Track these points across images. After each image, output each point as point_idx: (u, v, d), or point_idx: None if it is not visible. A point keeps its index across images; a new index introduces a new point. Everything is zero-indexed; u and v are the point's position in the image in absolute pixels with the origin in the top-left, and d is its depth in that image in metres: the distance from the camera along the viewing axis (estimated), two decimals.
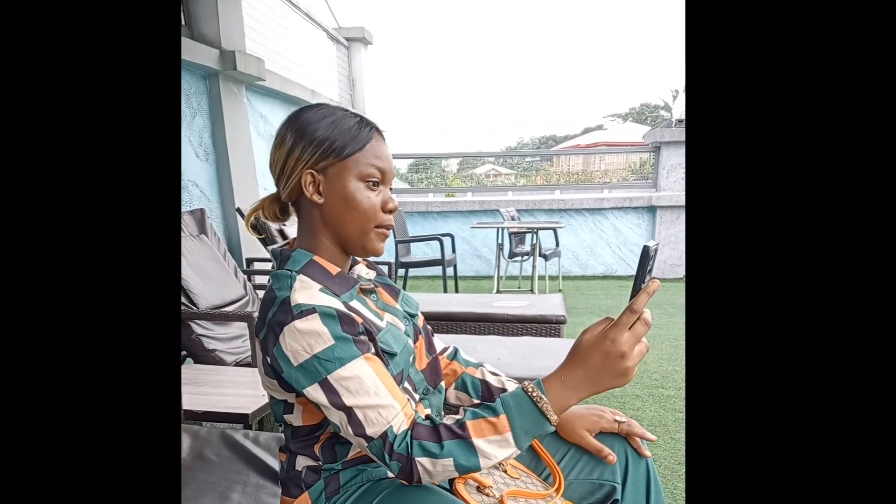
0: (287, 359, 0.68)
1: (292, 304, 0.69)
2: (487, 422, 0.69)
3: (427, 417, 0.71)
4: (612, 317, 0.70)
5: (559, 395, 0.69)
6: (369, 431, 0.68)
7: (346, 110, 0.77)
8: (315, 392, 0.68)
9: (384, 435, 0.67)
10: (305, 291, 0.71)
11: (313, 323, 0.67)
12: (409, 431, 0.68)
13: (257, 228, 0.87)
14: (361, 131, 0.74)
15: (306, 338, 0.67)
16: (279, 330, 0.68)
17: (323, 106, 0.77)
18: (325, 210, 0.76)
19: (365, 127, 0.75)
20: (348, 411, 0.68)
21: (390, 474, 0.78)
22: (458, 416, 0.71)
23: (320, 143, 0.73)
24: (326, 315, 0.68)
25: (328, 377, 0.67)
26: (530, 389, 0.70)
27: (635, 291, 0.67)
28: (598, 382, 0.69)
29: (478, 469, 0.68)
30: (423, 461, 0.67)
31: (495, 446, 0.68)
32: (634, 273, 0.69)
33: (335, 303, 0.71)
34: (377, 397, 0.68)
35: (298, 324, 0.67)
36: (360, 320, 0.72)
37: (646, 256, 0.67)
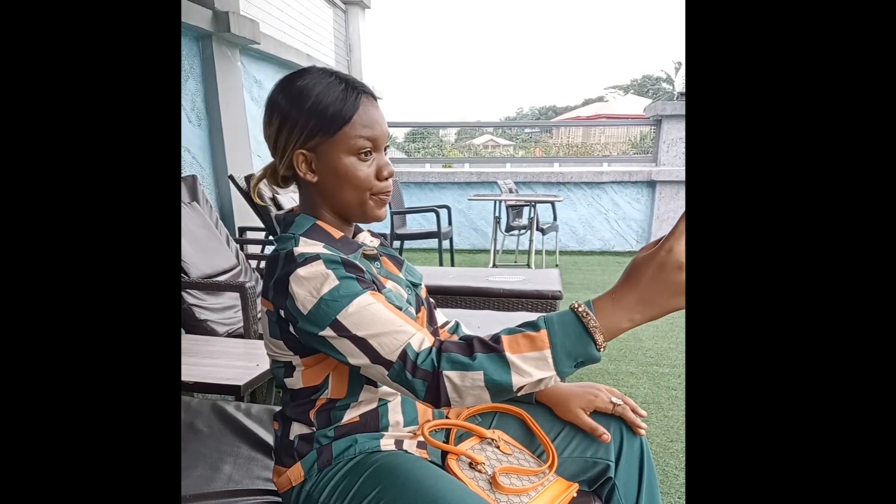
0: (298, 309, 0.68)
1: (296, 255, 0.71)
2: (525, 336, 0.63)
3: (461, 338, 0.68)
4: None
5: (610, 316, 0.61)
6: (387, 356, 0.65)
7: (332, 75, 0.75)
8: (330, 336, 0.67)
9: (403, 354, 0.65)
10: (309, 246, 0.74)
11: (318, 267, 0.69)
12: (435, 347, 0.65)
13: (260, 196, 0.87)
14: (347, 102, 0.73)
15: (312, 282, 0.68)
16: (287, 281, 0.69)
17: (307, 74, 0.75)
18: (321, 186, 0.77)
19: (351, 94, 0.74)
20: (363, 343, 0.66)
21: (385, 441, 0.78)
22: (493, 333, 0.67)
23: (306, 122, 0.73)
24: (330, 260, 0.70)
25: (338, 317, 0.67)
26: (577, 306, 0.63)
27: None
28: (654, 302, 0.59)
29: (510, 388, 0.62)
30: (451, 374, 0.62)
31: (531, 364, 0.62)
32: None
33: (339, 254, 0.73)
34: (389, 325, 0.66)
35: (302, 271, 0.69)
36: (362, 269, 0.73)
37: None
